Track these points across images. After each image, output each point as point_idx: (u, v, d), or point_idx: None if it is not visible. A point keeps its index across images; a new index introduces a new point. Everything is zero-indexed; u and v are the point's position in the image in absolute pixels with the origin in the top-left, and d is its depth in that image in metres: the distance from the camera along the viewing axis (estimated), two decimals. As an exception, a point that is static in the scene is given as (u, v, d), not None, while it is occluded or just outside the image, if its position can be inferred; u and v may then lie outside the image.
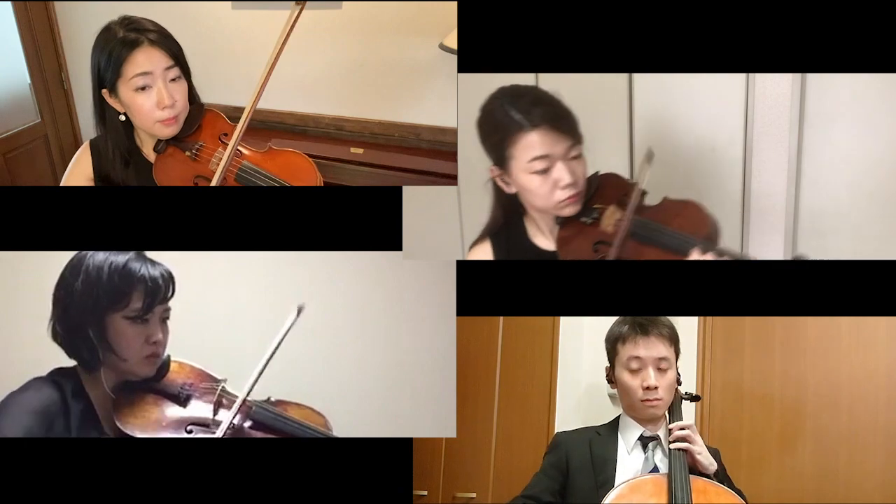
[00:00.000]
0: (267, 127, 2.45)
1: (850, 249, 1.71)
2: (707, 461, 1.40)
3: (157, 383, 1.31)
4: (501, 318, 1.93)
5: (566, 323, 1.90)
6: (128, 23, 1.51)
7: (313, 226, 1.58)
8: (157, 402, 1.30)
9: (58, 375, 1.27)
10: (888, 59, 1.54)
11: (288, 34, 1.53)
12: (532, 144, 1.33)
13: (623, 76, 1.78)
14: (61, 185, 1.66)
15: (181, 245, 1.54)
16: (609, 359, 1.50)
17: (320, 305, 1.73)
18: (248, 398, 1.32)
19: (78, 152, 1.66)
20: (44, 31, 2.69)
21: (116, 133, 1.58)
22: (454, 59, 1.65)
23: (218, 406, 1.32)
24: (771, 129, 1.78)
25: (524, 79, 1.92)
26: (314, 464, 1.44)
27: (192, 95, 1.59)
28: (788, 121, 1.76)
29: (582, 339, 1.91)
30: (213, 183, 1.52)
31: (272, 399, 1.37)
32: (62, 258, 1.31)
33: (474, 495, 1.86)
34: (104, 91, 1.54)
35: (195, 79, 1.61)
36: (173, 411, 1.30)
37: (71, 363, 1.29)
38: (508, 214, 1.50)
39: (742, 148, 1.82)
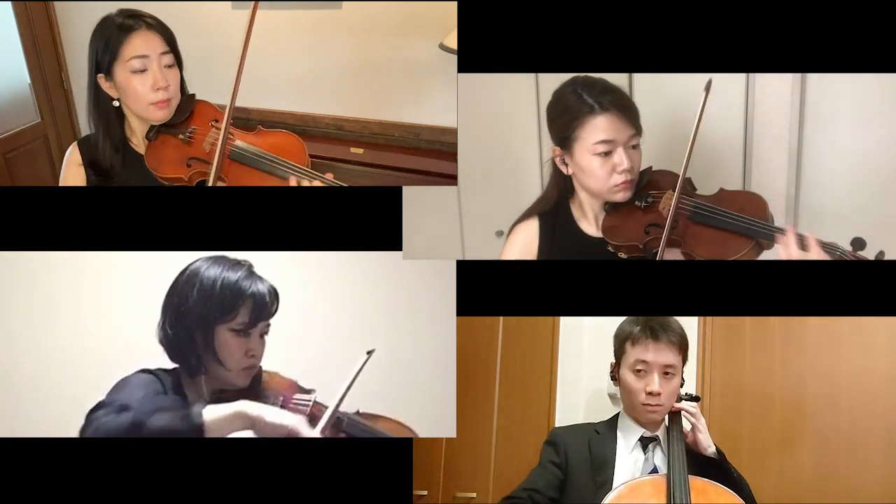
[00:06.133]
0: (266, 127, 2.45)
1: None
2: (707, 442, 1.43)
3: (251, 394, 1.33)
4: (501, 318, 1.93)
5: (566, 323, 1.90)
6: (126, 12, 1.59)
7: (313, 226, 1.58)
8: None
9: (159, 372, 1.32)
10: (888, 59, 1.54)
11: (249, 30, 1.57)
12: (599, 127, 1.43)
13: (623, 76, 1.78)
14: (59, 183, 1.70)
15: (180, 245, 1.54)
16: (616, 356, 1.50)
17: (320, 305, 1.73)
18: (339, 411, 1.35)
19: (67, 150, 1.71)
20: (44, 31, 2.70)
21: (108, 119, 1.63)
22: (454, 59, 1.65)
23: (311, 418, 1.33)
24: (771, 129, 1.78)
25: (526, 79, 1.94)
26: (315, 464, 1.44)
27: (183, 86, 1.65)
28: (788, 121, 1.76)
29: (582, 339, 1.90)
30: (214, 162, 1.56)
31: (360, 411, 1.40)
32: (169, 261, 1.37)
33: (474, 495, 1.86)
34: (100, 76, 1.59)
35: (193, 76, 1.65)
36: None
37: (172, 366, 1.33)
38: (560, 196, 1.57)
39: (742, 148, 1.82)
